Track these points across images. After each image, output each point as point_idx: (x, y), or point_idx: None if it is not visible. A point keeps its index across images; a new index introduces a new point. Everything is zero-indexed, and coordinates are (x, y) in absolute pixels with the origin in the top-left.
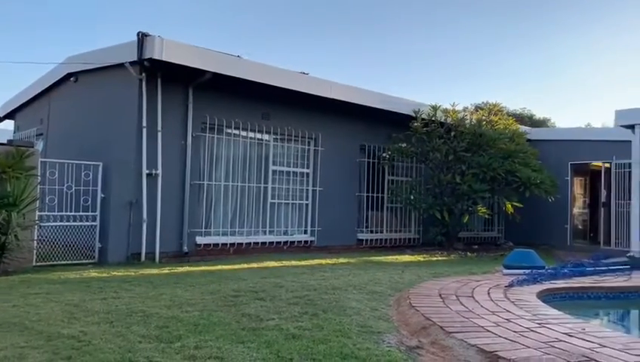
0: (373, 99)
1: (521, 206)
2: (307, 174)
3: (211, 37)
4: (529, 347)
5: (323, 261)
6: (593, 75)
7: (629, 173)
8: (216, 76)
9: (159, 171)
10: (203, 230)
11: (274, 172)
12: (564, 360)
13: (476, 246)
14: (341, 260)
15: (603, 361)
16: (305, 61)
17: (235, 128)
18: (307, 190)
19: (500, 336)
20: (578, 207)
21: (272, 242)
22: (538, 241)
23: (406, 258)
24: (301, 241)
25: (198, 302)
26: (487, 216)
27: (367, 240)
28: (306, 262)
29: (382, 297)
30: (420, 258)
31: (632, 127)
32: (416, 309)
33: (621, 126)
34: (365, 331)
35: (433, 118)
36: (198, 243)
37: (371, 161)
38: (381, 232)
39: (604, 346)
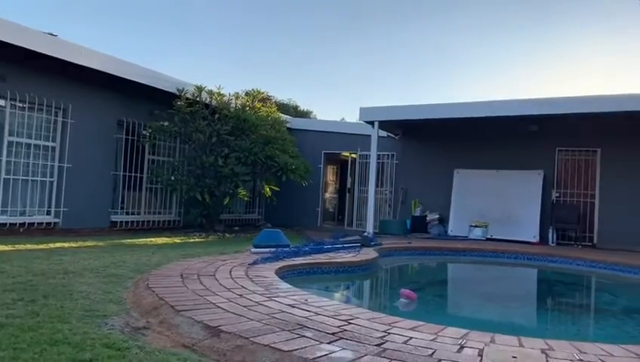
0: (132, 71)
1: (279, 190)
2: (53, 148)
3: None
4: (252, 319)
5: (66, 244)
6: (351, 71)
7: (369, 163)
8: None
9: None
10: None
11: (10, 143)
12: (280, 328)
13: (237, 228)
14: (88, 243)
15: (313, 327)
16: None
17: None
18: (52, 166)
19: (228, 311)
20: (330, 192)
21: (6, 223)
22: (294, 223)
23: (162, 240)
24: (42, 223)
25: None
26: (246, 199)
27: (122, 222)
28: (45, 246)
29: (120, 280)
30: (177, 240)
31: (372, 123)
32: (152, 290)
33: (365, 121)
34: (89, 315)
35: (198, 99)
36: None
37: (130, 138)
38: (139, 214)
39: (319, 314)
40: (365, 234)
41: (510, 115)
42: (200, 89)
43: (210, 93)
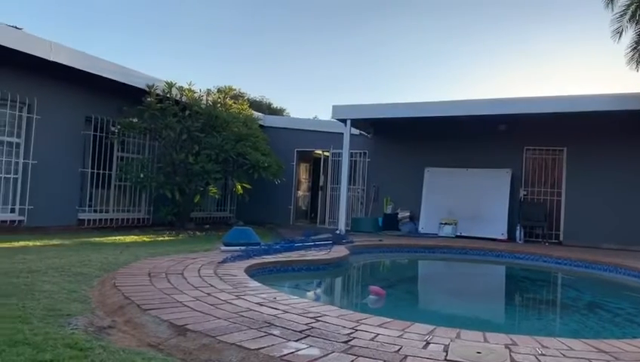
0: (101, 67)
1: (250, 187)
2: (17, 144)
3: None
4: (219, 318)
5: (31, 243)
6: (326, 70)
7: (341, 161)
8: None
9: None
10: None
11: None
12: (247, 326)
13: (208, 226)
14: (54, 241)
15: (281, 325)
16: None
17: None
18: (17, 163)
19: (195, 310)
20: (302, 190)
21: None
22: (266, 221)
23: (130, 238)
24: (6, 221)
25: None
26: (217, 197)
27: (90, 220)
28: (9, 244)
29: (86, 279)
30: (146, 238)
31: (344, 121)
32: (119, 289)
33: (337, 119)
34: (52, 315)
35: (168, 95)
36: None
37: (99, 134)
38: (107, 212)
39: (288, 312)
40: (337, 231)
41: (479, 115)
42: (170, 85)
43: (181, 89)
